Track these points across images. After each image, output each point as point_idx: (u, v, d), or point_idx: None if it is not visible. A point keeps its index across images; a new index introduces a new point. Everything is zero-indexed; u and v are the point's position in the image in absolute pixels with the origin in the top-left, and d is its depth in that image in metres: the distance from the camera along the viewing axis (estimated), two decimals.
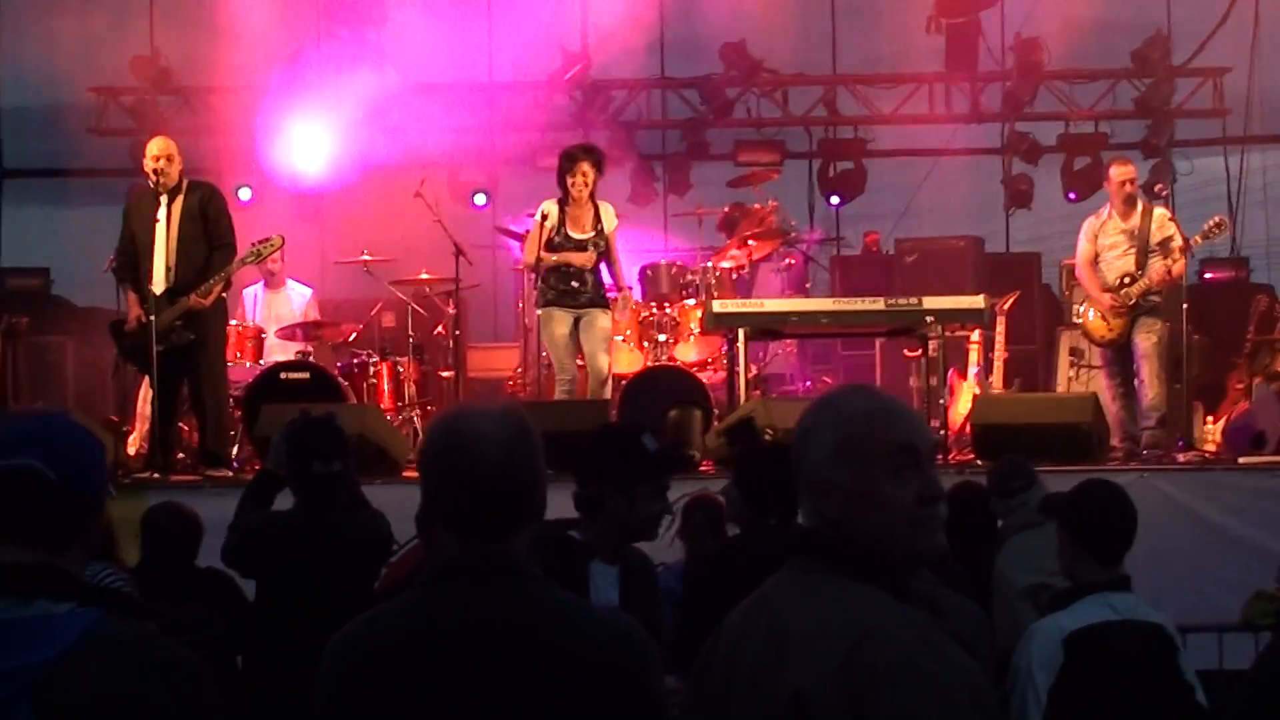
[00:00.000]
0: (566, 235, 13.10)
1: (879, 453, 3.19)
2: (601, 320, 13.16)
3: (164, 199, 12.29)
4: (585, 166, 13.08)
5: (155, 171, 12.25)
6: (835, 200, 19.19)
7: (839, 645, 2.98)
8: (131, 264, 12.40)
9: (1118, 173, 13.35)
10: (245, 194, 17.88)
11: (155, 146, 12.42)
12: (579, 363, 13.44)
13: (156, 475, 11.96)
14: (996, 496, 8.41)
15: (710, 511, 8.44)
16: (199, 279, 12.25)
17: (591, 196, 13.16)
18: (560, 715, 3.29)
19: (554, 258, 13.00)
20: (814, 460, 3.18)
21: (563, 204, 13.17)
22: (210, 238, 12.41)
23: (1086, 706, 5.63)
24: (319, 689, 3.41)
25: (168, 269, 12.25)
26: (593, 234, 13.13)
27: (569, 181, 13.07)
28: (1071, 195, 18.64)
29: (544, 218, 13.09)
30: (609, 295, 13.41)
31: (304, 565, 7.30)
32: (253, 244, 12.88)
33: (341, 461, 7.48)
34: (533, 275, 13.38)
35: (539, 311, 13.24)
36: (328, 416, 7.76)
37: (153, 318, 11.98)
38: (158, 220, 12.26)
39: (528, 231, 13.72)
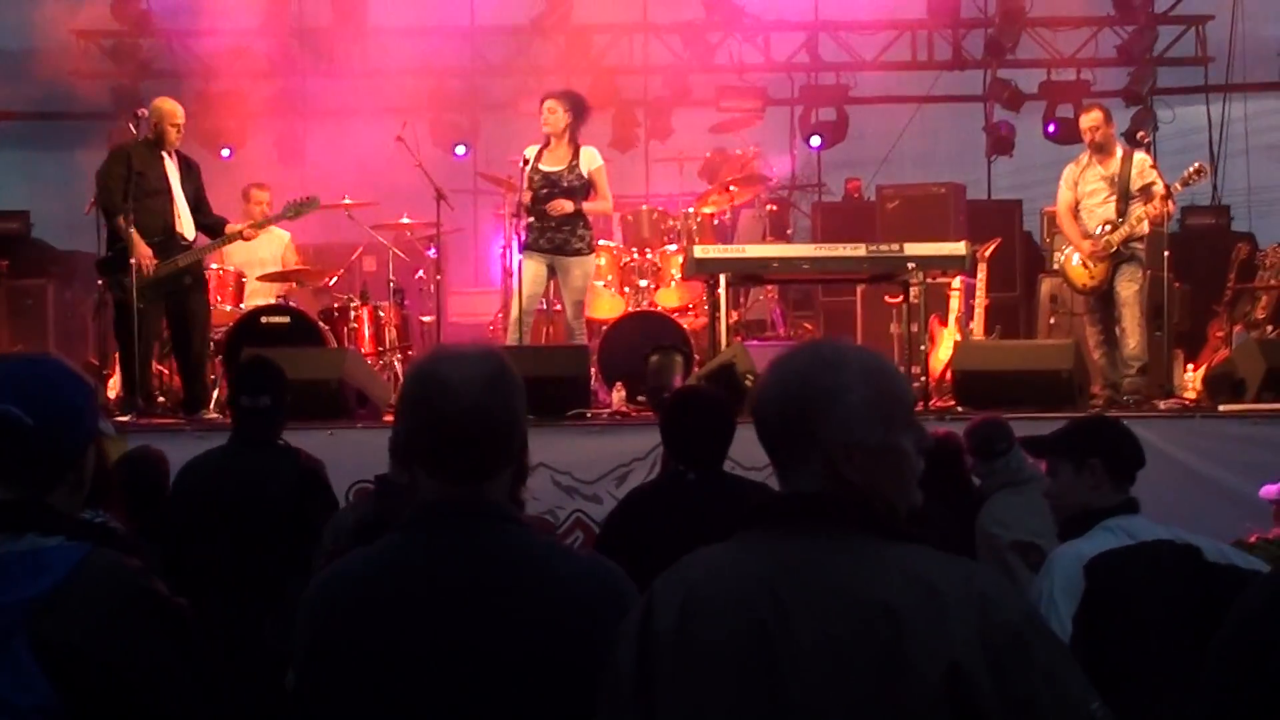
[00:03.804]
0: (538, 169, 13.11)
1: (902, 408, 3.18)
2: (577, 270, 13.14)
3: (166, 156, 12.40)
4: (550, 103, 13.09)
5: (179, 132, 12.41)
6: (816, 141, 19.14)
7: (967, 612, 2.92)
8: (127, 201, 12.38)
9: (1082, 121, 13.37)
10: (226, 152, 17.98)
11: (180, 113, 12.50)
12: (557, 309, 13.59)
13: (140, 419, 11.98)
14: (979, 459, 8.45)
15: None
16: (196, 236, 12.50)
17: (572, 138, 13.13)
18: (536, 657, 3.29)
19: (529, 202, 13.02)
20: (843, 420, 3.08)
21: (544, 145, 13.18)
22: (197, 201, 12.62)
23: (1115, 631, 5.66)
24: (301, 629, 3.42)
25: (189, 224, 12.40)
26: (564, 168, 13.11)
27: (541, 115, 13.11)
28: (1051, 128, 18.66)
29: (525, 162, 13.09)
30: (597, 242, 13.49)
31: (215, 496, 7.48)
32: (290, 201, 13.05)
33: (270, 398, 7.59)
34: (515, 220, 13.35)
35: (519, 255, 13.24)
36: (262, 356, 7.98)
37: (155, 261, 12.06)
38: (168, 175, 12.36)
39: (510, 178, 13.72)
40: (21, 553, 3.29)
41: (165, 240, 12.16)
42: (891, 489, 3.13)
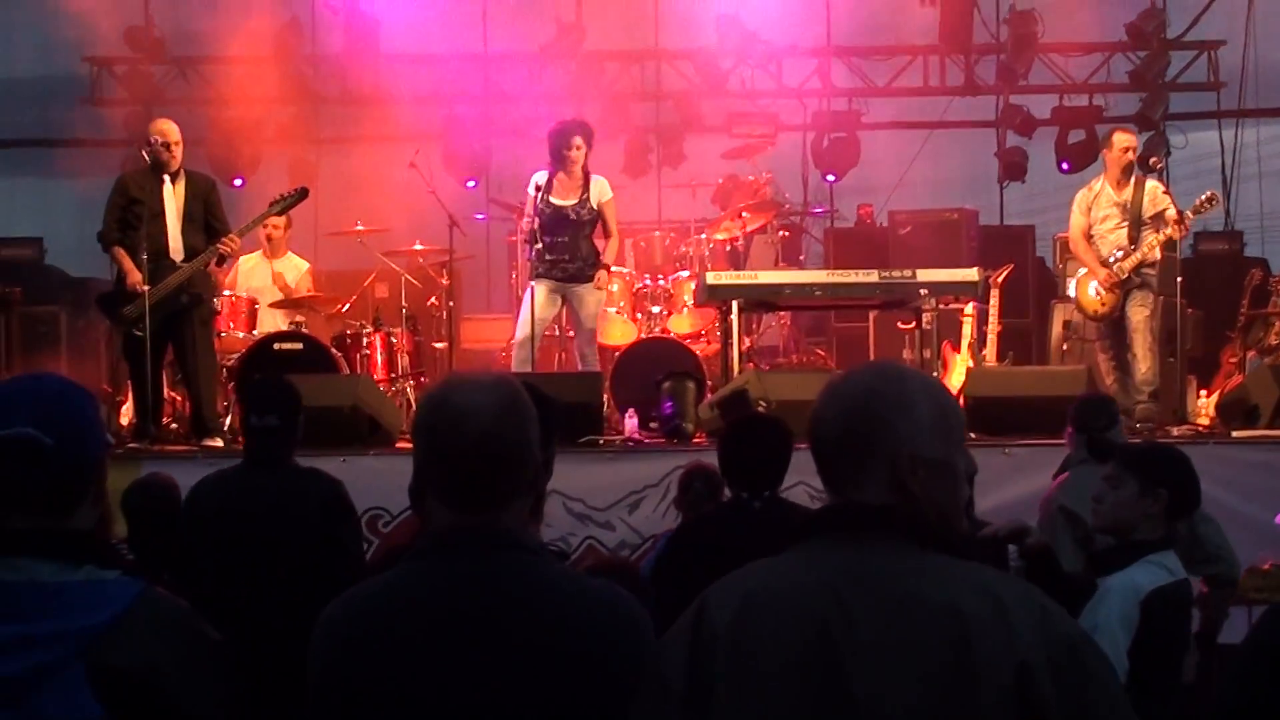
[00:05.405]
0: (549, 202, 13.13)
1: (959, 427, 3.22)
2: (591, 297, 13.19)
3: (167, 179, 12.33)
4: (578, 138, 13.12)
5: (169, 151, 12.31)
6: (831, 178, 19.15)
7: (1029, 620, 2.97)
8: (125, 229, 12.36)
9: (1121, 140, 13.30)
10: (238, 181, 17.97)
11: (175, 131, 12.46)
12: (570, 335, 13.64)
13: (154, 446, 11.98)
14: (1076, 430, 8.53)
15: (708, 480, 8.44)
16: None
17: (584, 168, 13.19)
18: (552, 687, 3.28)
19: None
20: (910, 433, 3.11)
21: (552, 173, 13.20)
22: (209, 223, 12.51)
23: (1165, 664, 5.81)
24: (312, 659, 3.41)
25: (178, 246, 12.33)
26: (575, 202, 13.14)
27: (564, 152, 13.10)
28: (1064, 165, 18.65)
29: (536, 189, 13.12)
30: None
31: (225, 515, 7.44)
32: (280, 195, 13.01)
33: (279, 417, 7.55)
34: (527, 247, 13.38)
35: (531, 282, 13.26)
36: (277, 377, 7.95)
37: (147, 288, 12.00)
38: (164, 198, 12.29)
39: (522, 203, 13.76)
40: (81, 583, 3.30)
41: (156, 265, 12.11)
42: (948, 507, 3.16)
